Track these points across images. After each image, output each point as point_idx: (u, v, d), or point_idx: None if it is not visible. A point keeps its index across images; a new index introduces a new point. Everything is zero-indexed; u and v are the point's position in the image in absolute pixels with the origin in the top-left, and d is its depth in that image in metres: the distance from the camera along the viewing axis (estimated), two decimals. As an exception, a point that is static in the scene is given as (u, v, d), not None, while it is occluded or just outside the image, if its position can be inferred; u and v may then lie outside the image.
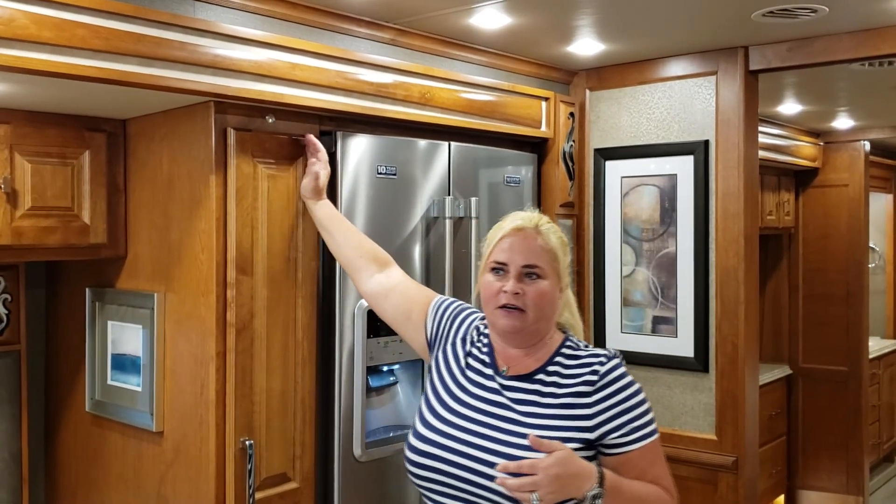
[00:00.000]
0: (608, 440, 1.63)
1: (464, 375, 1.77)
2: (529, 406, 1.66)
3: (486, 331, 1.82)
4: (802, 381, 5.35)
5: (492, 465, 1.59)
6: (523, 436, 1.60)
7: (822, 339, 5.30)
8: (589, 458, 1.61)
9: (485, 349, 1.79)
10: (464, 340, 1.84)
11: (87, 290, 2.57)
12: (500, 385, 1.71)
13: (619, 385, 1.64)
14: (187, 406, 2.28)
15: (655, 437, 1.65)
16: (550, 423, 1.63)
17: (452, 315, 1.91)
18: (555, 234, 1.75)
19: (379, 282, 2.11)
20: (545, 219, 1.77)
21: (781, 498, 5.31)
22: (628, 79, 3.31)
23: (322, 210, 2.29)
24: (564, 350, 1.72)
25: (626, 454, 1.63)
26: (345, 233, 2.24)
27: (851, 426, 5.20)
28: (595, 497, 1.53)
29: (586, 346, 1.75)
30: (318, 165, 2.31)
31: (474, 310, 1.93)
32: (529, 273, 1.69)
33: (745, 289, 3.09)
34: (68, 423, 2.69)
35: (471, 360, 1.79)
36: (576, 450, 1.59)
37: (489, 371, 1.75)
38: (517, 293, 1.68)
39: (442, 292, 2.74)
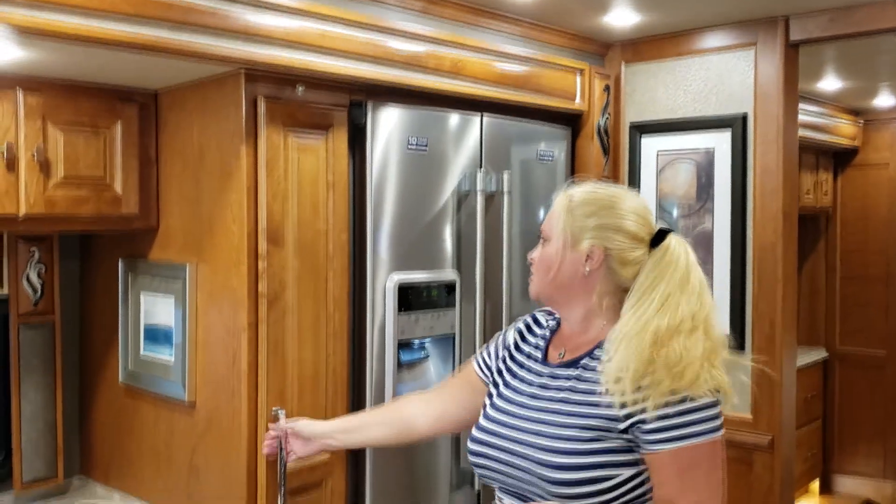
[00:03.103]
0: (638, 433, 1.48)
1: (515, 375, 1.71)
2: (565, 392, 1.58)
3: (546, 321, 1.76)
4: (839, 364, 5.26)
5: (524, 455, 1.56)
6: (551, 423, 1.55)
7: (859, 321, 5.20)
8: (626, 450, 1.50)
9: (542, 341, 1.72)
10: (508, 347, 1.78)
11: (119, 261, 2.58)
12: (546, 374, 1.64)
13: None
14: (219, 377, 2.28)
15: (688, 442, 1.47)
16: (579, 410, 1.53)
17: (495, 346, 1.82)
18: (568, 195, 1.63)
19: (427, 419, 1.92)
20: (582, 185, 1.66)
21: (816, 482, 5.23)
22: (665, 51, 3.24)
23: (336, 434, 2.00)
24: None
25: (652, 454, 1.48)
26: (371, 424, 2.01)
27: (890, 411, 5.10)
28: None
29: None
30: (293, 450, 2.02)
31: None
32: (542, 239, 1.67)
33: (784, 266, 3.02)
34: (102, 393, 2.71)
35: (522, 358, 1.73)
36: (607, 437, 1.49)
37: (538, 364, 1.68)
38: (531, 259, 1.68)
39: (472, 269, 2.74)
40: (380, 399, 2.47)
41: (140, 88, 2.42)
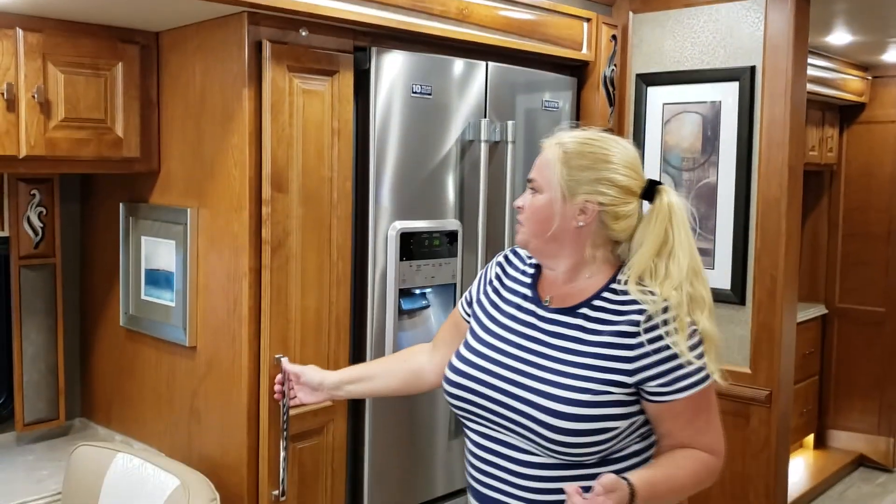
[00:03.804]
0: (648, 387, 1.53)
1: (499, 309, 1.72)
2: (570, 342, 1.58)
3: (526, 258, 1.76)
4: (838, 320, 5.28)
5: (525, 400, 1.56)
6: (560, 373, 1.55)
7: (860, 278, 5.20)
8: (629, 402, 1.54)
9: (527, 279, 1.72)
10: (491, 282, 1.78)
11: (121, 205, 2.56)
12: (541, 317, 1.64)
13: (666, 329, 1.52)
14: (220, 322, 2.28)
15: (700, 387, 1.55)
16: (589, 363, 1.55)
17: (478, 285, 1.83)
18: (562, 145, 1.60)
19: (434, 368, 1.93)
20: (574, 133, 1.63)
21: (811, 437, 5.29)
22: (673, 1, 3.19)
23: (344, 385, 2.00)
24: (613, 285, 1.60)
25: (666, 404, 1.54)
26: (380, 375, 2.02)
27: (886, 367, 5.13)
28: None
29: (639, 283, 1.58)
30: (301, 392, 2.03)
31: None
32: (531, 188, 1.64)
33: (788, 221, 3.01)
34: (103, 336, 2.72)
35: (506, 293, 1.73)
36: (613, 392, 1.53)
37: (529, 303, 1.68)
38: (519, 206, 1.65)
39: (475, 218, 2.72)
40: (380, 346, 2.48)
41: (141, 29, 2.38)
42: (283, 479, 2.22)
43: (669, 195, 1.60)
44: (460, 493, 2.76)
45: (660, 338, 1.52)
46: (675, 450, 1.59)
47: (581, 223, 1.59)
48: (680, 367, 1.53)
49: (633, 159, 1.62)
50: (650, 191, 1.61)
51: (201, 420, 2.36)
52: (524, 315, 1.67)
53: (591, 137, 1.62)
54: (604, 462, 1.56)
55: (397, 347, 2.50)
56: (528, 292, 1.69)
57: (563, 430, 1.52)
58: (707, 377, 1.56)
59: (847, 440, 5.27)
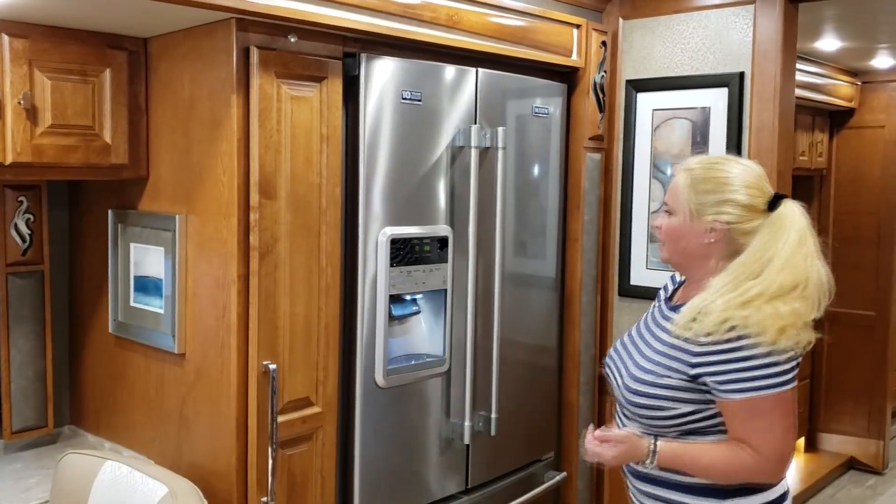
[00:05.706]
0: (706, 382, 1.72)
1: (649, 311, 2.04)
2: (661, 331, 1.85)
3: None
4: (828, 324, 5.27)
5: (619, 371, 1.91)
6: (642, 355, 1.85)
7: (850, 283, 5.20)
8: (693, 389, 1.74)
9: (674, 287, 2.02)
10: (660, 290, 2.10)
11: (109, 211, 2.55)
12: (662, 314, 1.91)
13: (733, 334, 1.70)
14: (209, 329, 2.27)
15: (757, 394, 1.68)
16: (663, 350, 1.80)
17: None
18: (689, 172, 1.84)
19: None
20: (700, 159, 1.87)
21: (802, 440, 5.30)
22: (663, 7, 3.20)
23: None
24: None
25: (722, 402, 1.73)
26: None
27: (876, 371, 5.15)
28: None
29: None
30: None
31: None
32: (666, 211, 1.88)
33: (777, 226, 3.01)
34: (92, 343, 2.70)
35: (657, 301, 2.03)
36: (672, 377, 1.76)
37: (663, 304, 1.96)
38: (657, 226, 1.90)
39: (465, 224, 2.72)
40: (371, 353, 2.47)
41: (129, 35, 2.37)
42: (271, 486, 2.21)
43: (784, 206, 1.78)
44: (452, 498, 2.76)
45: (728, 339, 1.70)
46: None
47: (711, 240, 1.81)
48: (739, 370, 1.69)
49: (754, 179, 1.81)
50: (774, 204, 1.78)
51: (190, 427, 2.35)
52: (656, 312, 1.96)
53: (715, 161, 1.86)
54: (686, 435, 1.79)
55: (388, 354, 2.50)
56: (666, 296, 2.01)
57: (630, 401, 1.84)
58: (768, 387, 1.68)
59: (837, 443, 5.28)
